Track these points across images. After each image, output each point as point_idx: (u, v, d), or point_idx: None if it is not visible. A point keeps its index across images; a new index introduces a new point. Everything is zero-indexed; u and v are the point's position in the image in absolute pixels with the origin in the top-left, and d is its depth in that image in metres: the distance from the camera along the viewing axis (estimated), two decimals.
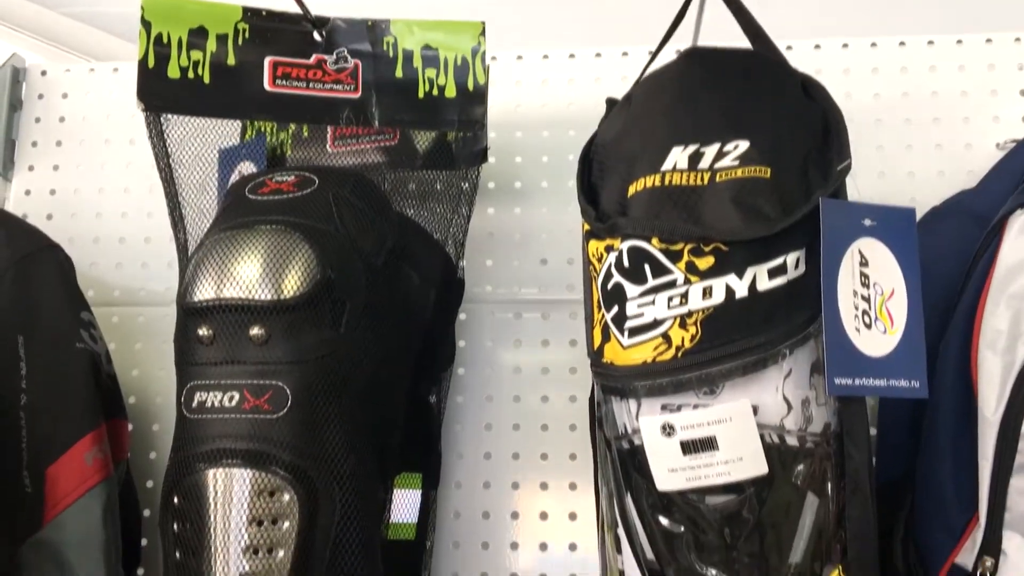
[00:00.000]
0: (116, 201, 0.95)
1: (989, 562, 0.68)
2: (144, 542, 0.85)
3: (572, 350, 0.88)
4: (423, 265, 0.76)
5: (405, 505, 0.79)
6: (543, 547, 0.85)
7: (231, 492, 0.61)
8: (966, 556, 0.70)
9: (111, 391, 0.77)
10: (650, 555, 0.56)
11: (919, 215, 0.73)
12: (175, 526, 0.62)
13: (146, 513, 0.86)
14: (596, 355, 0.58)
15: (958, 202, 0.84)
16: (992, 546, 0.68)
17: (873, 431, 0.80)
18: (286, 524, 0.61)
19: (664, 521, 0.55)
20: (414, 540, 0.80)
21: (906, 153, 0.88)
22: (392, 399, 0.71)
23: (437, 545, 0.85)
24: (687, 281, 0.54)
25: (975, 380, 0.72)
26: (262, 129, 0.80)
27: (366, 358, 0.66)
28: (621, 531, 0.59)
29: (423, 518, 0.81)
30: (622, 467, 0.57)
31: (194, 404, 0.63)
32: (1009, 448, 0.68)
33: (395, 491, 0.79)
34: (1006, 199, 0.76)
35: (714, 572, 0.54)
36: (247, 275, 0.64)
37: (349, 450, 0.64)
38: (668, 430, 0.54)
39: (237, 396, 0.62)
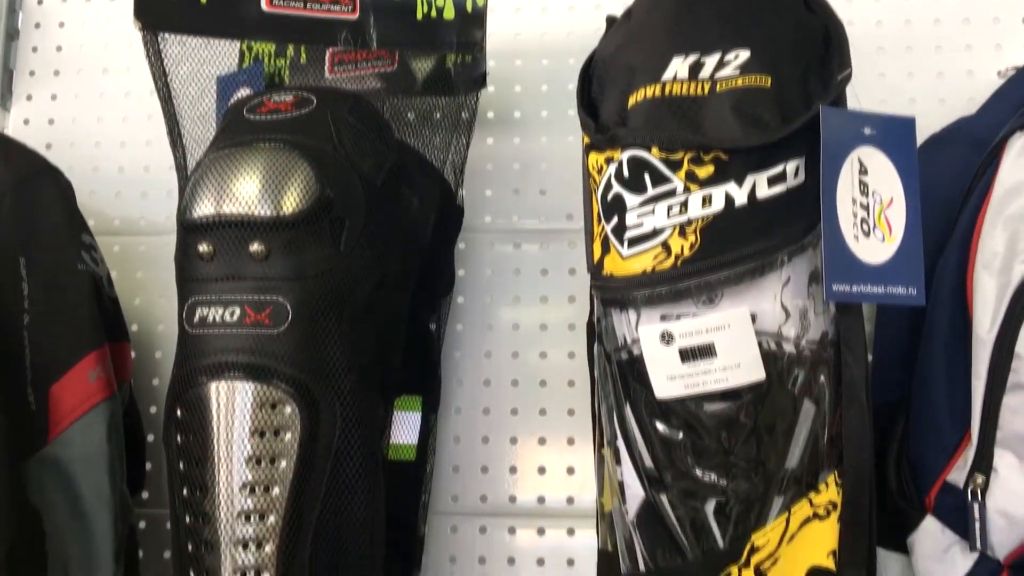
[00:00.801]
0: (115, 130, 0.95)
1: (980, 479, 0.69)
2: (148, 466, 0.86)
3: (571, 279, 0.89)
4: (422, 189, 0.76)
5: (405, 427, 0.80)
6: (541, 471, 0.86)
7: (233, 404, 0.62)
8: (957, 474, 0.71)
9: (113, 314, 0.78)
10: (648, 463, 0.57)
11: (919, 142, 0.73)
12: (179, 438, 0.63)
13: (150, 438, 0.87)
14: (596, 268, 0.59)
15: (958, 128, 0.84)
16: (983, 463, 0.69)
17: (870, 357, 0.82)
18: (288, 436, 0.62)
19: (663, 428, 0.56)
20: (414, 461, 0.81)
21: (908, 80, 0.88)
22: (392, 320, 0.72)
23: (437, 469, 0.86)
24: (687, 190, 0.54)
25: (970, 301, 0.72)
26: (260, 56, 0.80)
27: (366, 277, 0.67)
28: (620, 443, 0.60)
29: (423, 441, 0.82)
30: (621, 378, 0.58)
31: (195, 319, 0.63)
32: (1002, 367, 0.69)
33: (395, 413, 0.80)
34: (1006, 124, 0.76)
35: (712, 477, 0.55)
36: (246, 192, 0.64)
37: (349, 367, 0.65)
38: (667, 338, 0.55)
39: (238, 311, 0.63)
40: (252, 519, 0.61)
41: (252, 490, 0.61)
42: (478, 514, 0.86)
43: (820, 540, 0.55)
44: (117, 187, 0.94)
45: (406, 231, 0.73)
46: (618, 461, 0.60)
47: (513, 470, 0.87)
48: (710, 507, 0.55)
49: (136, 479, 0.80)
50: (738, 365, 0.54)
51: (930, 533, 0.72)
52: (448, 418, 0.88)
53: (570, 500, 0.86)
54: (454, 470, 0.87)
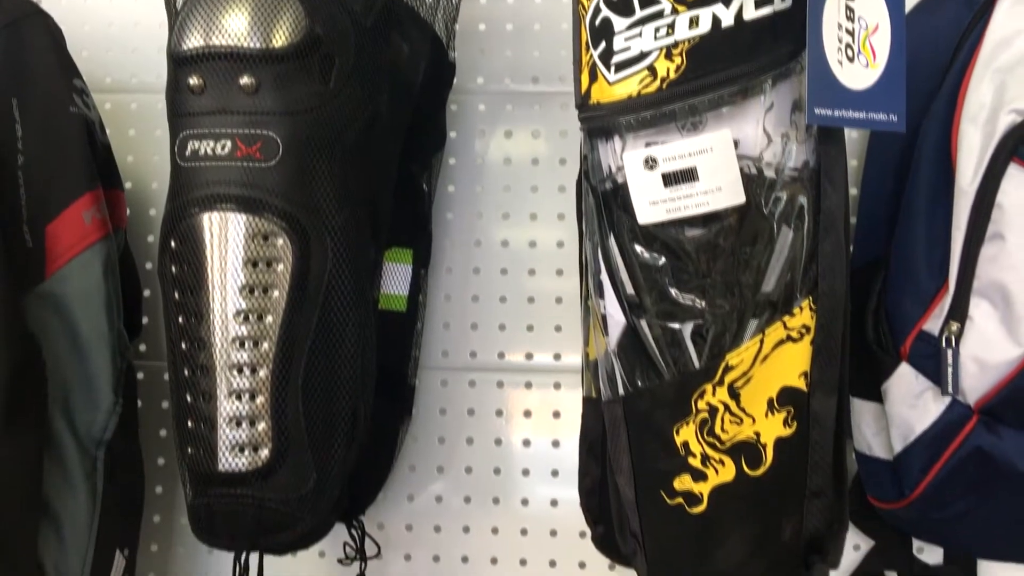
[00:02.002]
0: None
1: (955, 327, 0.71)
2: (145, 320, 0.88)
3: (562, 142, 0.89)
4: (412, 38, 0.76)
5: (396, 278, 0.82)
6: (530, 328, 0.88)
7: (226, 234, 0.63)
8: (933, 323, 0.73)
9: (106, 159, 0.78)
10: (630, 290, 0.59)
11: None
12: (173, 268, 0.64)
13: (146, 293, 0.89)
14: (583, 99, 0.59)
15: None
16: (959, 312, 0.71)
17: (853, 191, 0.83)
18: (280, 267, 0.64)
19: (644, 254, 0.57)
20: (405, 314, 0.83)
21: None
22: (383, 164, 0.73)
23: (427, 326, 0.88)
24: (674, 11, 0.54)
25: (954, 154, 0.73)
26: None
27: (356, 117, 0.67)
28: (604, 276, 0.61)
29: (414, 295, 0.84)
30: (605, 208, 0.59)
31: (187, 153, 0.64)
32: (982, 217, 0.70)
33: (386, 264, 0.81)
34: None
35: (690, 299, 0.57)
36: (236, 25, 0.64)
37: (340, 205, 0.66)
38: (650, 163, 0.55)
39: (229, 144, 0.64)
40: (246, 345, 0.63)
41: (246, 318, 0.63)
42: (468, 369, 0.89)
43: (793, 361, 0.57)
44: (107, 44, 0.93)
45: (396, 77, 0.73)
46: (601, 295, 0.62)
47: (502, 327, 0.89)
48: (687, 329, 0.57)
49: (132, 326, 0.82)
50: (719, 189, 0.55)
51: (904, 379, 0.75)
52: (439, 277, 0.89)
53: (557, 356, 0.88)
54: (444, 327, 0.89)
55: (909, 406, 0.75)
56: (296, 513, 0.65)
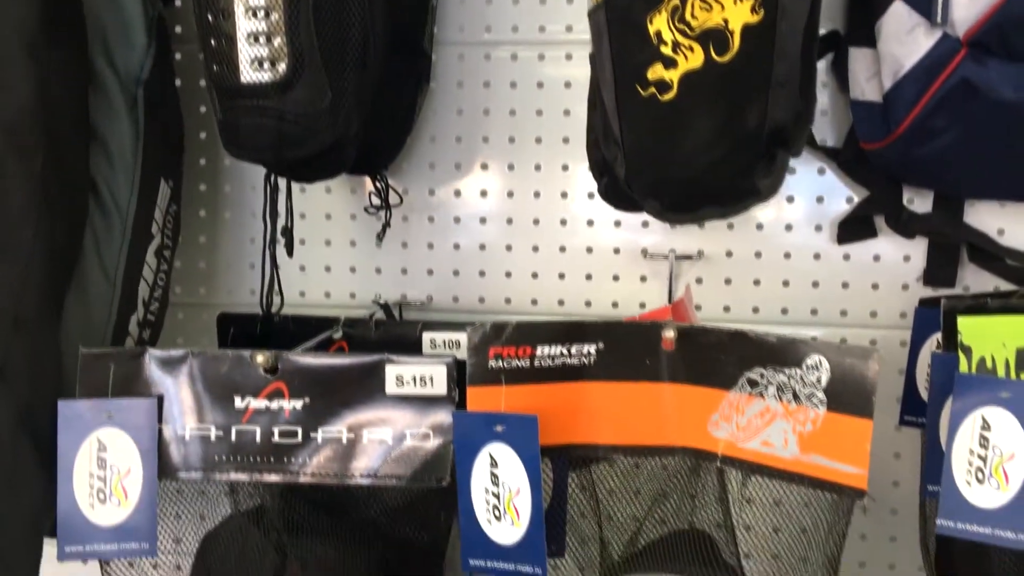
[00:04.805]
0: None
1: None
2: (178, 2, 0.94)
3: None
4: None
5: None
6: (542, 1, 0.91)
7: None
8: None
9: None
10: None
11: None
12: None
13: None
14: None
15: None
16: None
17: None
18: None
19: None
20: None
21: None
22: None
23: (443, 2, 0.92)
24: None
25: None
26: None
27: None
28: None
29: None
30: None
31: None
32: None
33: None
34: None
35: None
36: None
37: None
38: None
39: None
40: None
41: None
42: (483, 44, 0.93)
43: None
44: None
45: None
46: None
47: (515, 1, 0.92)
48: None
49: None
50: None
51: (897, 15, 0.76)
52: None
53: (569, 28, 0.91)
54: (460, 2, 0.93)
55: (900, 42, 0.77)
56: (314, 126, 0.71)
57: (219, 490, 0.71)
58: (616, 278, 0.93)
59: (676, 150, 0.64)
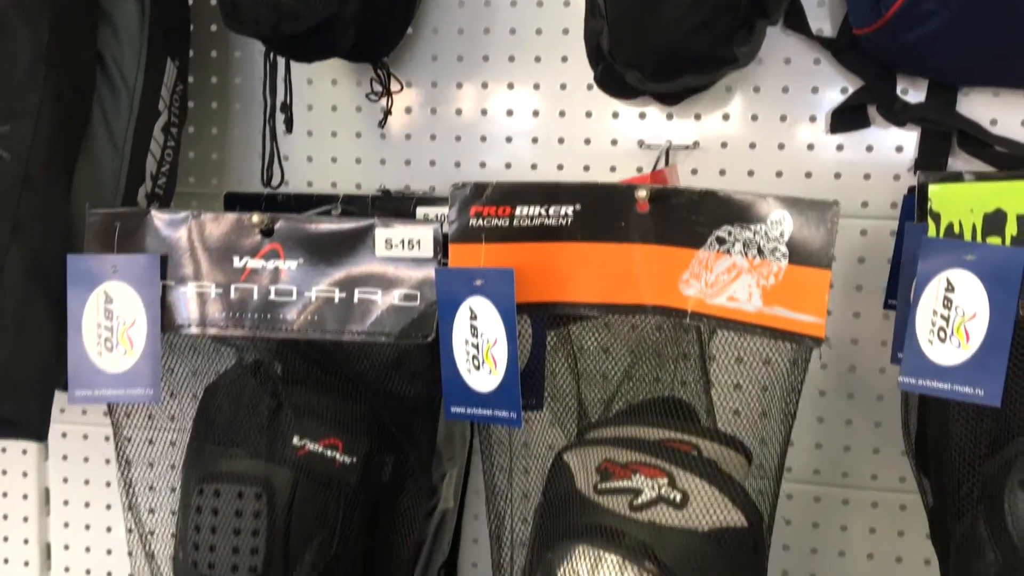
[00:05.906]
0: None
1: None
2: None
3: None
4: None
5: None
6: None
7: None
8: None
9: None
10: None
11: None
12: None
13: None
14: None
15: None
16: None
17: None
18: None
19: None
20: None
21: None
22: None
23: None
24: None
25: None
26: None
27: None
28: None
29: None
30: None
31: None
32: None
33: None
34: None
35: None
36: None
37: None
38: None
39: None
40: None
41: None
42: None
43: None
44: None
45: None
46: None
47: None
48: None
49: None
50: None
51: None
52: None
53: None
54: None
55: None
56: (311, 0, 0.74)
57: (217, 346, 0.75)
58: (613, 169, 0.95)
59: (657, 18, 0.66)
